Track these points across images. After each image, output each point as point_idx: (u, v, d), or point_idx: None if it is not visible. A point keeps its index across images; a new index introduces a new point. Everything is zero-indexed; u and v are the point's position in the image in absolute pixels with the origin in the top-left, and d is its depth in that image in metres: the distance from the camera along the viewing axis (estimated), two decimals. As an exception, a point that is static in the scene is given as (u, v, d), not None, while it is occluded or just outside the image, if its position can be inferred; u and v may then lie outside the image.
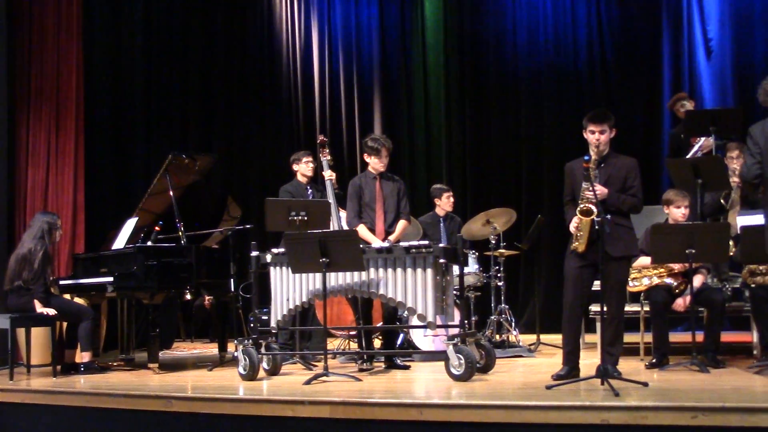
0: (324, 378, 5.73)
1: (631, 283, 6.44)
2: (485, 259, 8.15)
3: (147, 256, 6.92)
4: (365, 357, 6.65)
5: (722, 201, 7.03)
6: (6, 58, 8.77)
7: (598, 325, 6.05)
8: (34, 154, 8.91)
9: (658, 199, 6.96)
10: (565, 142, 10.08)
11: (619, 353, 5.62)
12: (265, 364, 6.30)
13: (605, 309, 5.35)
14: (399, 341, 7.50)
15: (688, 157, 7.54)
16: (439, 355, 6.41)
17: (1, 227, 8.58)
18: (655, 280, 6.48)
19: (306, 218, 6.46)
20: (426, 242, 5.95)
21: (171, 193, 7.43)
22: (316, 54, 11.61)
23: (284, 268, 6.30)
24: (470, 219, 8.08)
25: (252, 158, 11.51)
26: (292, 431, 5.02)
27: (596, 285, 5.89)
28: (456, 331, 6.02)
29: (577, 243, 5.51)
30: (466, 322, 6.26)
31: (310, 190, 7.65)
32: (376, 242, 6.48)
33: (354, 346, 7.86)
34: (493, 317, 7.94)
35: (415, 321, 6.18)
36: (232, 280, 7.46)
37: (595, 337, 6.66)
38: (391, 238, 6.65)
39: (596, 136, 5.56)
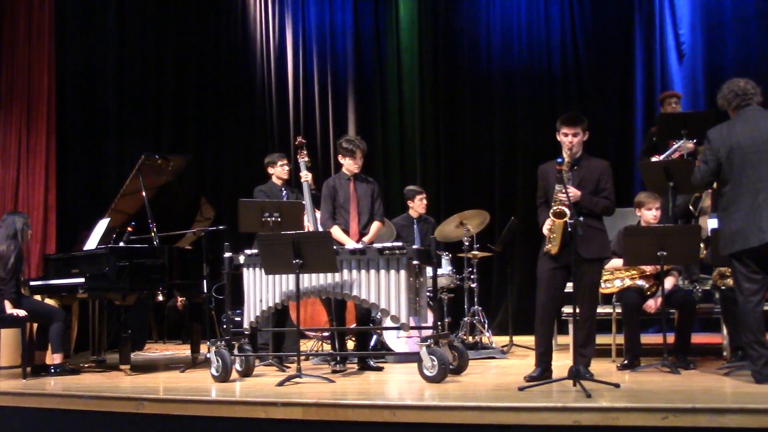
0: (297, 379, 5.71)
1: (603, 285, 6.46)
2: (458, 261, 8.15)
3: (119, 256, 6.87)
4: (338, 358, 6.62)
5: (691, 207, 7.05)
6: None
7: (571, 326, 6.09)
8: (4, 154, 8.84)
9: (631, 201, 6.99)
10: (538, 145, 10.13)
11: (592, 355, 5.62)
12: (237, 366, 6.28)
13: (578, 311, 5.38)
14: (372, 343, 7.50)
15: (662, 157, 7.58)
16: (412, 357, 6.40)
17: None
18: (627, 282, 6.50)
19: (279, 219, 6.46)
20: (399, 244, 5.95)
21: (144, 193, 7.38)
22: (291, 55, 11.60)
23: (257, 270, 6.28)
24: (444, 221, 8.09)
25: (225, 159, 11.49)
26: (264, 433, 5.00)
27: (569, 287, 5.90)
28: (429, 332, 6.01)
29: (550, 245, 5.52)
30: (439, 323, 6.25)
31: (284, 192, 7.61)
32: (350, 244, 6.46)
33: (327, 347, 7.84)
34: (466, 319, 7.94)
35: (388, 322, 6.19)
36: (204, 281, 7.41)
37: (568, 339, 6.71)
38: (365, 239, 6.64)
39: (569, 139, 5.57)
